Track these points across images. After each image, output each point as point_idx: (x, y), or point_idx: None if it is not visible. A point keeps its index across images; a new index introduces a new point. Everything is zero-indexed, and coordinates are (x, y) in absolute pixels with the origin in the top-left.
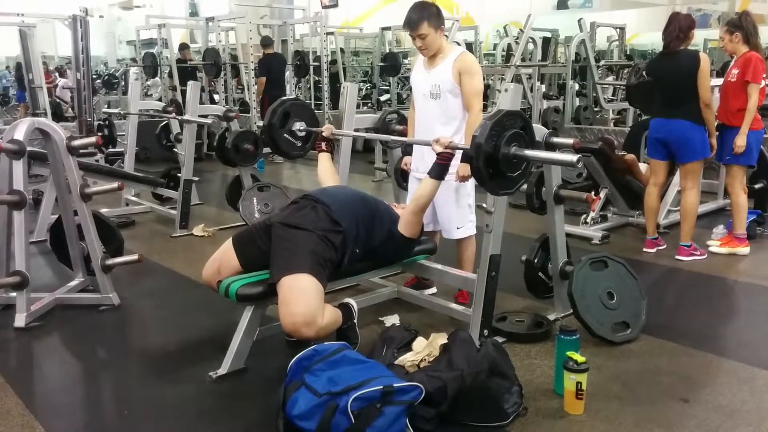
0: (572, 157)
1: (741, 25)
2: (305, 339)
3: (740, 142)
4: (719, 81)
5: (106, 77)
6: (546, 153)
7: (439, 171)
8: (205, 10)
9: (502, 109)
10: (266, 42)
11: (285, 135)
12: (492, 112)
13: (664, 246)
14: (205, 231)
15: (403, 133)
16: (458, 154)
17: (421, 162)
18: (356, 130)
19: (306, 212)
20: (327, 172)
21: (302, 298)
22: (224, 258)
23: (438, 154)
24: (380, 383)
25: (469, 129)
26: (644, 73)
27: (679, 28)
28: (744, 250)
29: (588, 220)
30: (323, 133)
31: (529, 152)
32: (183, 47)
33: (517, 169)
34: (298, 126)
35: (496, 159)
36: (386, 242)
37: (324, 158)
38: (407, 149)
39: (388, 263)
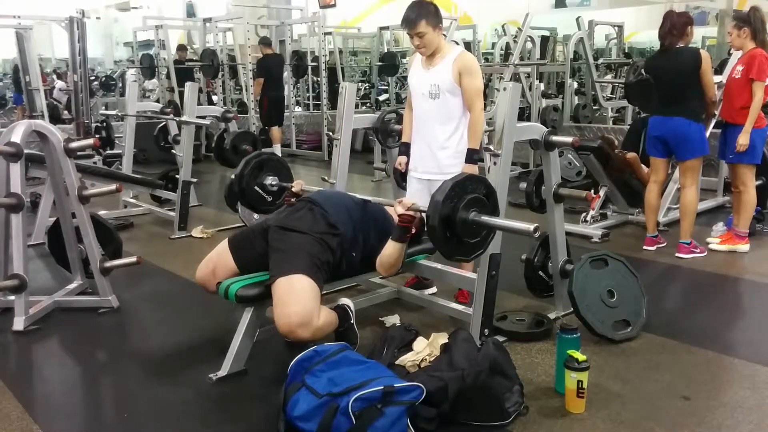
0: (529, 227)
1: (749, 20)
2: (300, 340)
3: (743, 140)
4: (718, 78)
5: (104, 79)
6: (502, 221)
7: (399, 233)
8: (203, 10)
9: (464, 173)
10: (265, 42)
11: (255, 188)
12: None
13: (664, 244)
14: (204, 232)
15: (400, 133)
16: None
17: (419, 161)
18: (355, 132)
19: (302, 215)
20: None
21: (298, 299)
22: (220, 259)
23: (399, 216)
24: (381, 383)
25: (471, 128)
26: (642, 71)
27: (672, 24)
28: (744, 247)
29: (588, 218)
30: (293, 188)
31: (486, 218)
32: (180, 48)
33: (476, 237)
34: (270, 180)
35: (453, 221)
36: (379, 246)
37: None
38: (403, 149)
39: None
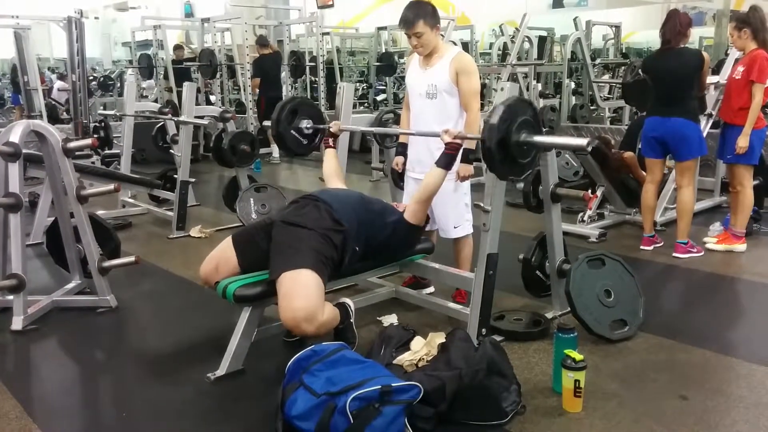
0: (582, 141)
1: (748, 20)
2: (304, 335)
3: (742, 143)
4: (715, 78)
5: (102, 79)
6: (555, 139)
7: (446, 161)
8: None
9: (513, 96)
10: (261, 42)
11: (292, 132)
12: (502, 100)
13: (661, 243)
14: (202, 232)
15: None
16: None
17: (417, 161)
18: (352, 132)
19: (308, 211)
20: (334, 170)
21: (304, 293)
22: (223, 257)
23: (446, 144)
24: (379, 383)
25: (468, 128)
26: (640, 71)
27: (679, 23)
28: (741, 247)
29: (585, 218)
30: (331, 129)
31: (539, 138)
32: (177, 47)
33: (527, 156)
34: (306, 124)
35: (507, 143)
36: (391, 236)
37: (330, 155)
38: (400, 149)
39: (392, 260)
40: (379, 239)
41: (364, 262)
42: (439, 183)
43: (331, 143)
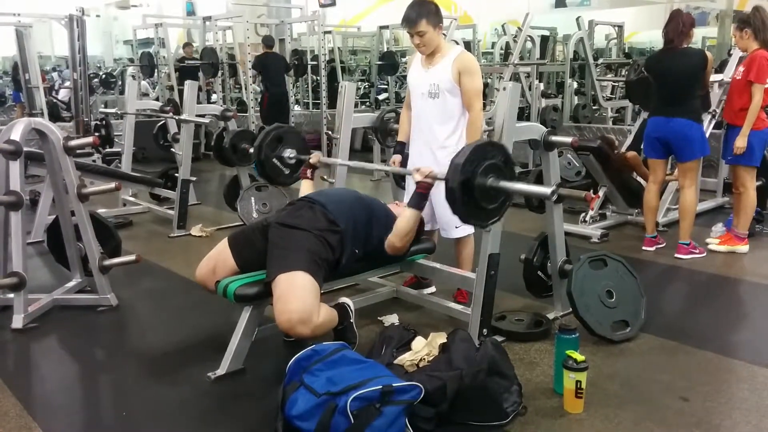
0: (546, 190)
1: (749, 21)
2: (300, 337)
3: (740, 143)
4: (719, 76)
5: (104, 76)
6: (520, 185)
7: (417, 200)
8: (203, 9)
9: (486, 139)
10: (266, 42)
11: (274, 160)
12: (478, 139)
13: (663, 244)
14: (203, 231)
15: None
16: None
17: (419, 161)
18: (354, 131)
19: (303, 213)
20: None
21: (298, 295)
22: (220, 258)
23: (417, 183)
24: (379, 383)
25: (470, 128)
26: (644, 69)
27: (682, 23)
28: (743, 248)
29: (587, 218)
30: (310, 160)
31: (504, 183)
32: (186, 45)
33: (492, 203)
34: (289, 153)
35: (471, 185)
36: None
37: (307, 185)
38: (398, 148)
39: (389, 262)
40: (379, 240)
41: (364, 262)
42: (412, 224)
43: (308, 174)
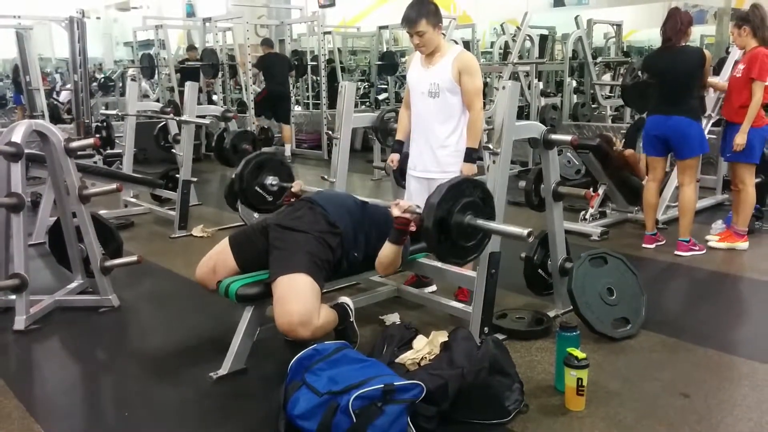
0: (522, 231)
1: (748, 18)
2: (300, 339)
3: (739, 140)
4: (716, 80)
5: (102, 80)
6: (496, 225)
7: (396, 236)
8: (203, 10)
9: (462, 176)
10: (267, 43)
11: (255, 188)
12: (455, 177)
13: (663, 242)
14: (204, 232)
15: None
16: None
17: (419, 160)
18: (354, 131)
19: (302, 214)
20: None
21: (298, 298)
22: (220, 258)
23: (395, 219)
24: (381, 382)
25: (471, 128)
26: (639, 72)
27: (680, 21)
28: (743, 245)
29: (587, 216)
30: (293, 189)
31: (480, 222)
32: (190, 48)
33: (471, 240)
34: (271, 180)
35: (447, 224)
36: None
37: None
38: (396, 147)
39: None
40: (379, 244)
41: (366, 264)
42: (394, 258)
43: (292, 202)
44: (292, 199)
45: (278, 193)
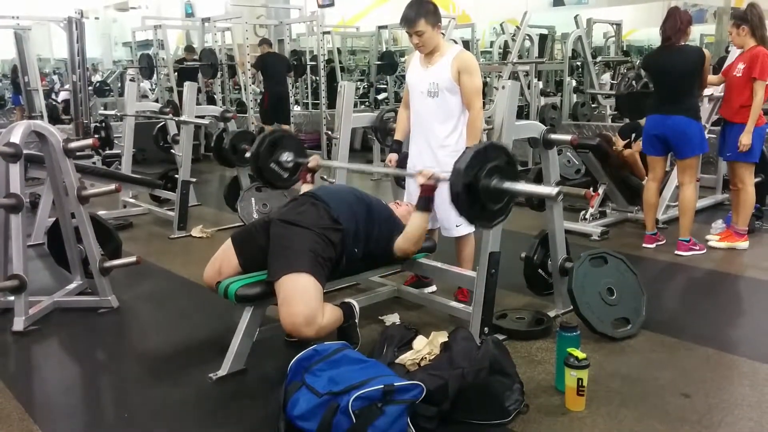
0: (551, 190)
1: (746, 17)
2: (306, 338)
3: (745, 140)
4: (709, 91)
5: (97, 84)
6: (524, 186)
7: (424, 204)
8: (201, 10)
9: (488, 141)
10: (265, 42)
11: (271, 165)
12: (479, 142)
13: (663, 241)
14: (203, 232)
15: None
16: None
17: (418, 160)
18: (354, 131)
19: (305, 209)
20: None
21: (302, 298)
22: (225, 257)
23: (421, 187)
24: (381, 382)
25: (470, 127)
26: (634, 81)
27: (680, 20)
28: (743, 244)
29: (587, 216)
30: (309, 164)
31: (508, 184)
32: (188, 49)
33: (498, 203)
34: (286, 157)
35: (476, 188)
36: (390, 239)
37: (307, 188)
38: (394, 147)
39: (389, 261)
40: (379, 241)
41: (365, 261)
42: (424, 226)
43: (308, 178)
44: (309, 175)
45: (294, 170)
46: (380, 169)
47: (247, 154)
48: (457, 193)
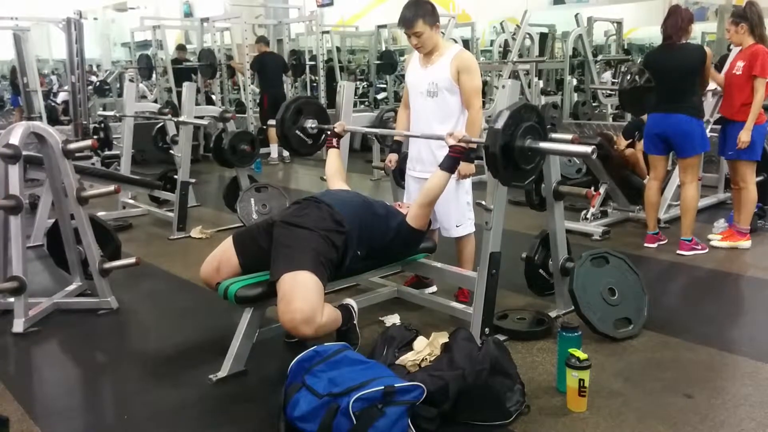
0: (587, 148)
1: (746, 15)
2: (303, 337)
3: (744, 137)
4: (712, 86)
5: (98, 84)
6: (560, 145)
7: (450, 163)
8: (200, 10)
9: (519, 102)
10: (263, 41)
11: (296, 132)
12: (507, 105)
13: (665, 241)
14: (202, 233)
15: None
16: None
17: (418, 160)
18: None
19: (309, 212)
20: (336, 169)
21: (302, 295)
22: (224, 257)
23: (450, 147)
24: (381, 383)
25: (469, 127)
26: (637, 77)
27: (681, 19)
28: (746, 243)
29: (588, 216)
30: (335, 129)
31: (544, 144)
32: (180, 48)
33: (531, 162)
34: (310, 123)
35: (511, 149)
36: (394, 239)
37: (334, 154)
38: (394, 147)
39: (393, 260)
40: (382, 242)
41: (367, 261)
42: (443, 186)
43: (334, 143)
44: (335, 140)
45: (317, 136)
46: (401, 132)
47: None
48: (494, 154)
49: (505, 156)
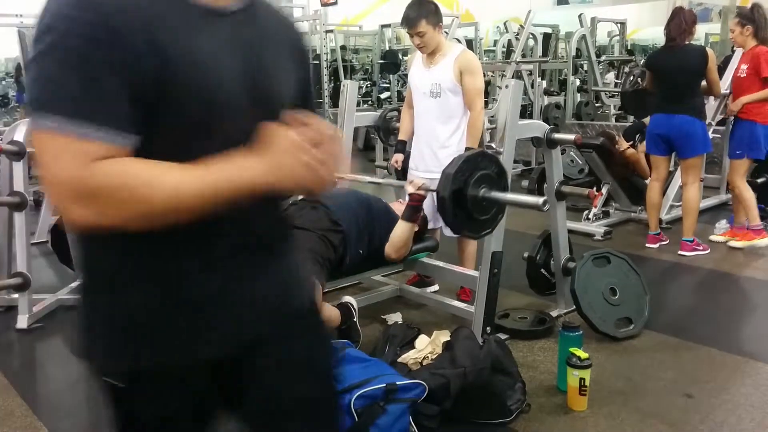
0: (538, 200)
1: (753, 17)
2: None
3: (734, 107)
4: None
5: None
6: (512, 196)
7: (410, 213)
8: None
9: (477, 149)
10: None
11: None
12: (469, 150)
13: (667, 241)
14: None
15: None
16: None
17: (420, 160)
18: (356, 130)
19: (305, 213)
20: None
21: None
22: None
23: (410, 195)
24: (383, 381)
25: (471, 128)
26: (639, 79)
27: (685, 20)
28: (763, 241)
29: (590, 216)
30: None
31: (496, 194)
32: None
33: (485, 214)
34: None
35: (464, 195)
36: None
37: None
38: (399, 147)
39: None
40: (382, 240)
41: (368, 261)
42: (406, 237)
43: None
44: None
45: None
46: (374, 179)
47: None
48: (443, 199)
49: (456, 203)
